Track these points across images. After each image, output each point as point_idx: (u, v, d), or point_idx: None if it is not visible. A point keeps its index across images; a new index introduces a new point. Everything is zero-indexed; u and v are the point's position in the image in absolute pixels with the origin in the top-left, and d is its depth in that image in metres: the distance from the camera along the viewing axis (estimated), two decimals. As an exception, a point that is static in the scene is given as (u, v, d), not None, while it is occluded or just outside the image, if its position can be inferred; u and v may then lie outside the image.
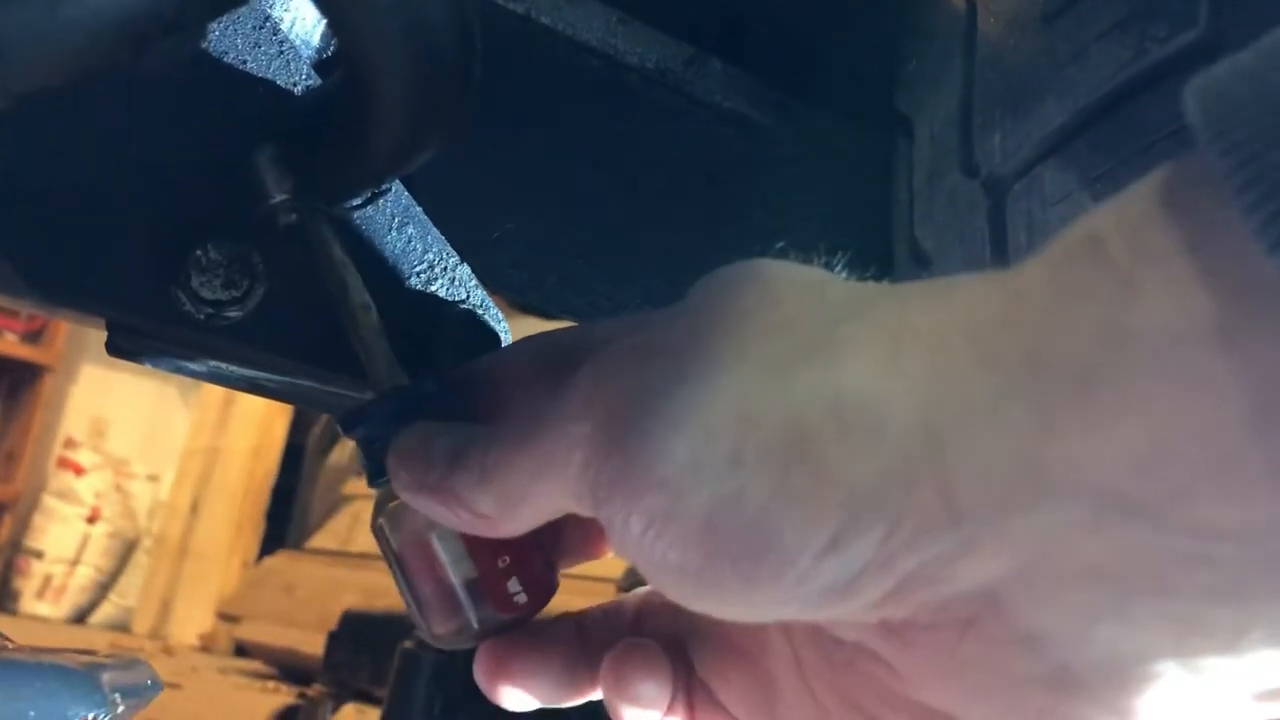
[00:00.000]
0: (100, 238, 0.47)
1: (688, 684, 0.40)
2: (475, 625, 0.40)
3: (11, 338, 3.98)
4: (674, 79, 0.66)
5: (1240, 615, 0.25)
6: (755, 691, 0.38)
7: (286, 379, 0.54)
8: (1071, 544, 0.25)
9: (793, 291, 0.31)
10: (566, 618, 0.42)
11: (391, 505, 0.42)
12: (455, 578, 0.40)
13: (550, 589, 0.42)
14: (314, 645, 2.68)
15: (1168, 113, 0.47)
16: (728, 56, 0.67)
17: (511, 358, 0.45)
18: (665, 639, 0.40)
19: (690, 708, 0.39)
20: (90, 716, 0.39)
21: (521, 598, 0.40)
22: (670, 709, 0.39)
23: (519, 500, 0.34)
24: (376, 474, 0.43)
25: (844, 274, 0.34)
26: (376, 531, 0.42)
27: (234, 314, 0.48)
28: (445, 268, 0.53)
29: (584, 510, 0.32)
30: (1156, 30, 0.48)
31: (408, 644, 1.39)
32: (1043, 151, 0.52)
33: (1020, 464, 0.25)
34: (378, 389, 0.45)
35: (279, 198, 0.46)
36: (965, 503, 0.26)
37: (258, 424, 4.01)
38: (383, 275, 0.51)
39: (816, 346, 0.28)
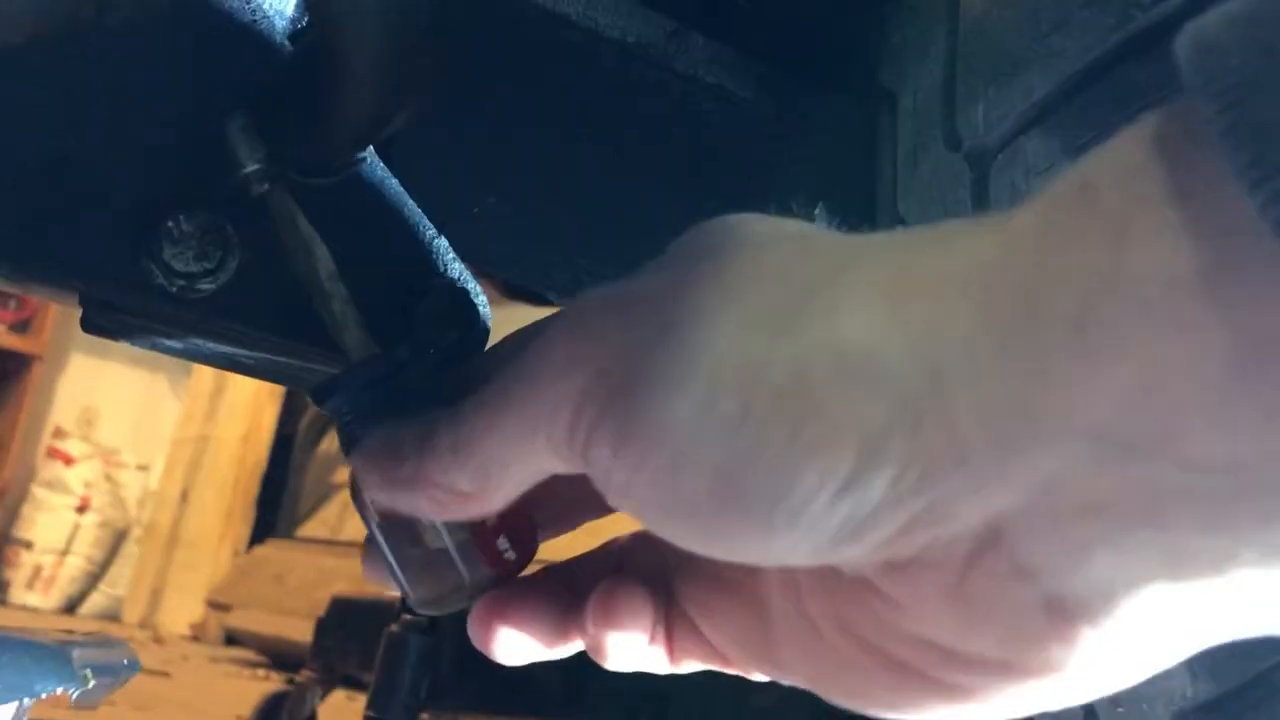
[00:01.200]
0: (69, 207, 0.46)
1: (668, 616, 0.40)
2: (467, 584, 0.40)
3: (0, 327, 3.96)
4: (655, 53, 0.65)
5: (1230, 543, 0.26)
6: (744, 622, 0.38)
7: (264, 355, 0.54)
8: (1070, 482, 0.26)
9: (777, 241, 0.31)
10: (555, 567, 0.43)
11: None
12: (447, 539, 0.40)
13: (534, 545, 0.42)
14: (304, 633, 2.67)
15: (1153, 80, 0.47)
16: (710, 30, 0.66)
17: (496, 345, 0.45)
18: (649, 575, 0.40)
19: (670, 639, 0.40)
20: (59, 691, 0.39)
21: (511, 554, 0.40)
22: (652, 639, 0.39)
23: (500, 469, 0.34)
24: (353, 444, 0.42)
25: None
26: (357, 501, 0.42)
27: (207, 286, 0.48)
28: (423, 240, 0.52)
29: (571, 469, 0.32)
30: (1140, -3, 0.48)
31: (394, 628, 1.39)
32: (1026, 122, 0.52)
33: (1020, 405, 0.26)
34: (350, 359, 0.45)
35: (251, 167, 0.45)
36: (970, 443, 0.26)
37: (248, 412, 4.00)
38: (359, 248, 0.50)
39: (813, 295, 0.29)
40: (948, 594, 0.29)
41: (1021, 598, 0.28)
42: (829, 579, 0.34)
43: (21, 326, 4.01)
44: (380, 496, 0.37)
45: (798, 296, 0.29)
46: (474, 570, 0.40)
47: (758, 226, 0.32)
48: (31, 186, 0.45)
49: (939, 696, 0.32)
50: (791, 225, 0.32)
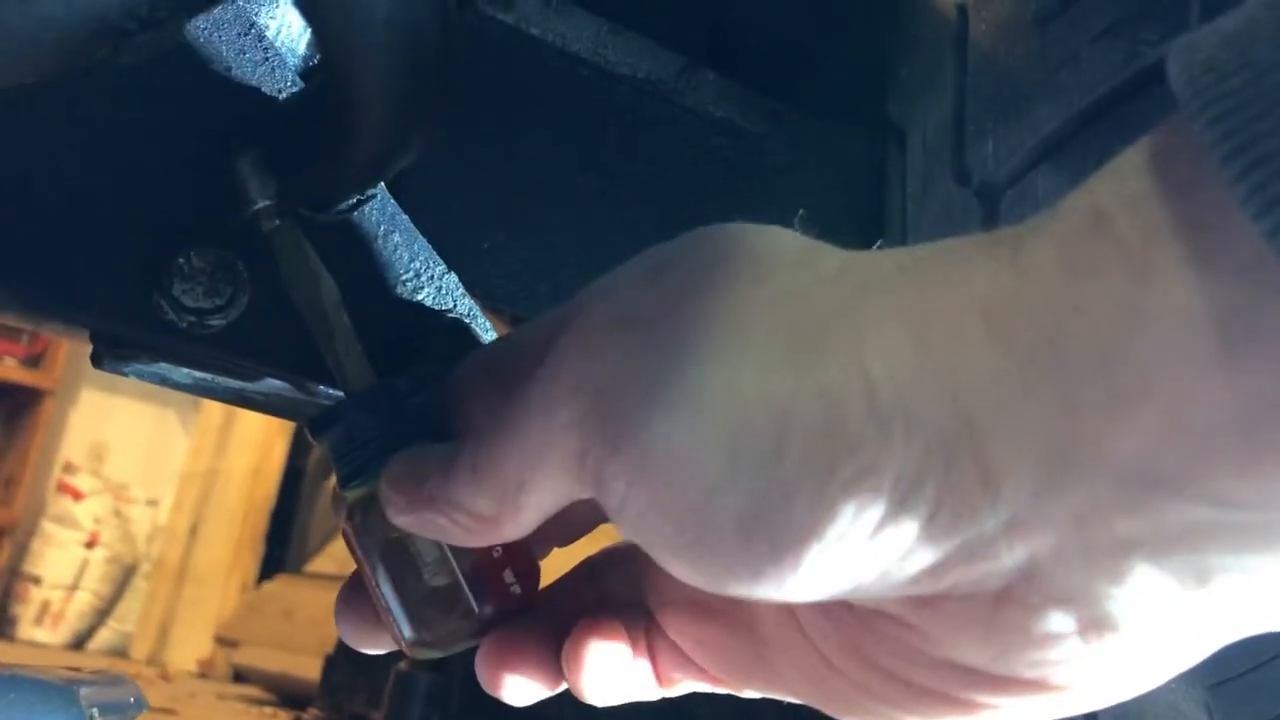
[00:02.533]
0: (81, 244, 0.46)
1: (650, 640, 0.39)
2: (474, 618, 0.39)
3: (11, 362, 3.97)
4: (665, 89, 0.66)
5: (1268, 559, 0.26)
6: (734, 647, 0.37)
7: (272, 390, 0.54)
8: (1103, 517, 0.26)
9: (783, 260, 0.31)
10: (549, 594, 0.42)
11: (369, 508, 0.41)
12: (455, 569, 0.39)
13: (537, 580, 0.41)
14: (312, 670, 2.66)
15: (1161, 116, 0.47)
16: (719, 66, 0.67)
17: (484, 354, 0.44)
18: (626, 596, 0.40)
19: (655, 663, 0.39)
20: (66, 730, 0.39)
21: (516, 588, 0.40)
22: (633, 672, 0.39)
23: (517, 492, 0.33)
24: (349, 478, 0.42)
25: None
26: (351, 538, 0.41)
27: (217, 322, 0.48)
28: (432, 276, 0.52)
29: (585, 495, 0.32)
30: (1148, 34, 0.48)
31: (403, 666, 1.38)
32: (1035, 157, 0.52)
33: (1050, 443, 0.26)
34: (348, 391, 0.45)
35: (262, 204, 0.45)
36: (1002, 483, 0.26)
37: (257, 447, 4.00)
38: (367, 283, 0.50)
39: (833, 325, 0.28)
40: (979, 624, 0.29)
41: (1056, 623, 0.28)
42: (834, 609, 0.33)
43: (33, 361, 4.03)
44: (403, 519, 0.37)
45: (817, 326, 0.28)
46: (481, 603, 0.39)
47: (758, 240, 0.32)
48: (43, 222, 0.46)
49: (962, 712, 0.31)
50: (790, 239, 0.32)
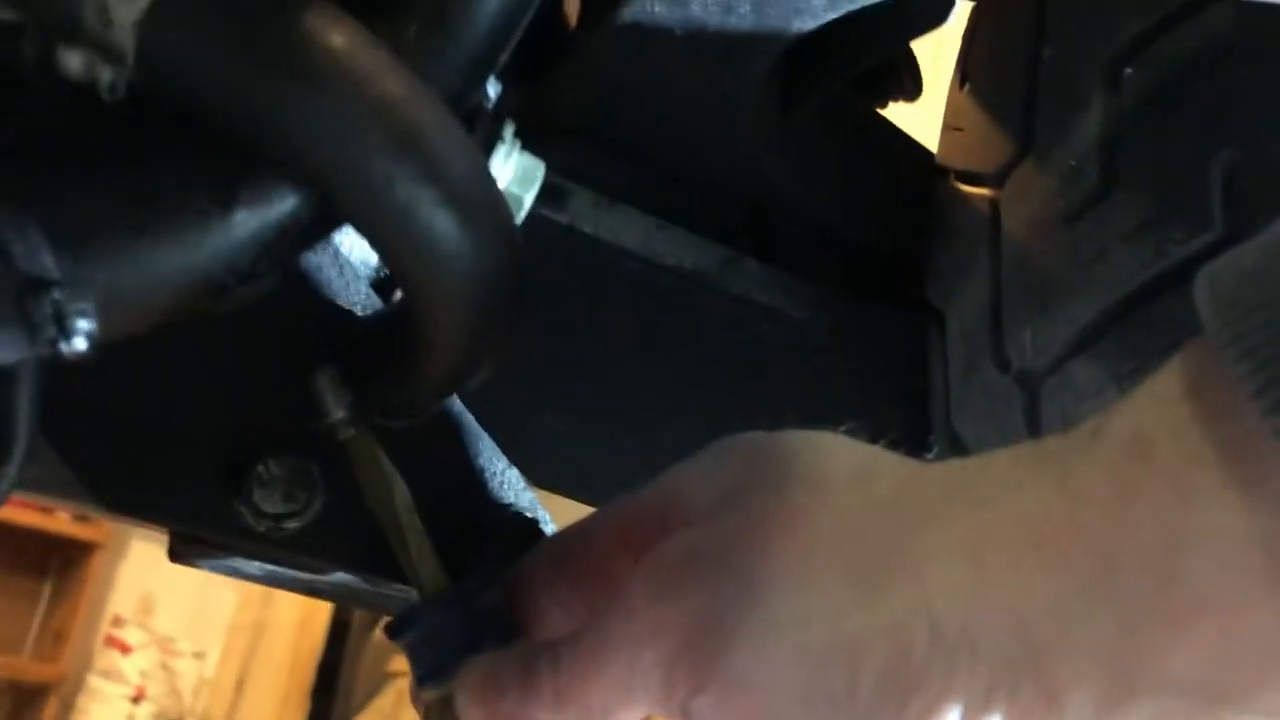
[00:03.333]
0: (167, 455, 0.49)
1: None
2: None
3: (63, 516, 4.02)
4: (711, 278, 0.69)
5: None
6: None
7: (340, 582, 0.56)
8: None
9: (838, 483, 0.33)
10: None
11: (444, 708, 0.42)
12: None
13: None
14: (358, 830, 2.60)
15: (1191, 311, 0.49)
16: (762, 255, 0.70)
17: (551, 548, 0.45)
18: None
19: None
20: None
21: None
22: None
23: (602, 715, 0.35)
24: (425, 678, 0.43)
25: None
26: None
27: (292, 525, 0.50)
28: (494, 472, 0.54)
29: (671, 717, 0.33)
30: (1175, 232, 0.50)
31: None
32: (1072, 348, 0.54)
33: (1111, 663, 0.27)
34: (423, 593, 0.47)
35: (338, 415, 0.48)
36: (1067, 702, 0.28)
37: (304, 599, 3.99)
38: (432, 482, 0.52)
39: (894, 560, 0.30)
40: None
41: None
42: None
43: (84, 515, 4.07)
44: None
45: (879, 562, 0.30)
46: None
47: (812, 460, 0.34)
48: (129, 436, 0.48)
49: None
50: (843, 453, 0.34)
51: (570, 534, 0.45)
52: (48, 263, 0.31)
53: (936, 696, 0.28)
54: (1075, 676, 0.28)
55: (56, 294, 0.31)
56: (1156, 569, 0.27)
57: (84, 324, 0.32)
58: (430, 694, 0.43)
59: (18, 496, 0.52)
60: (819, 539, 0.31)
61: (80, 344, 0.31)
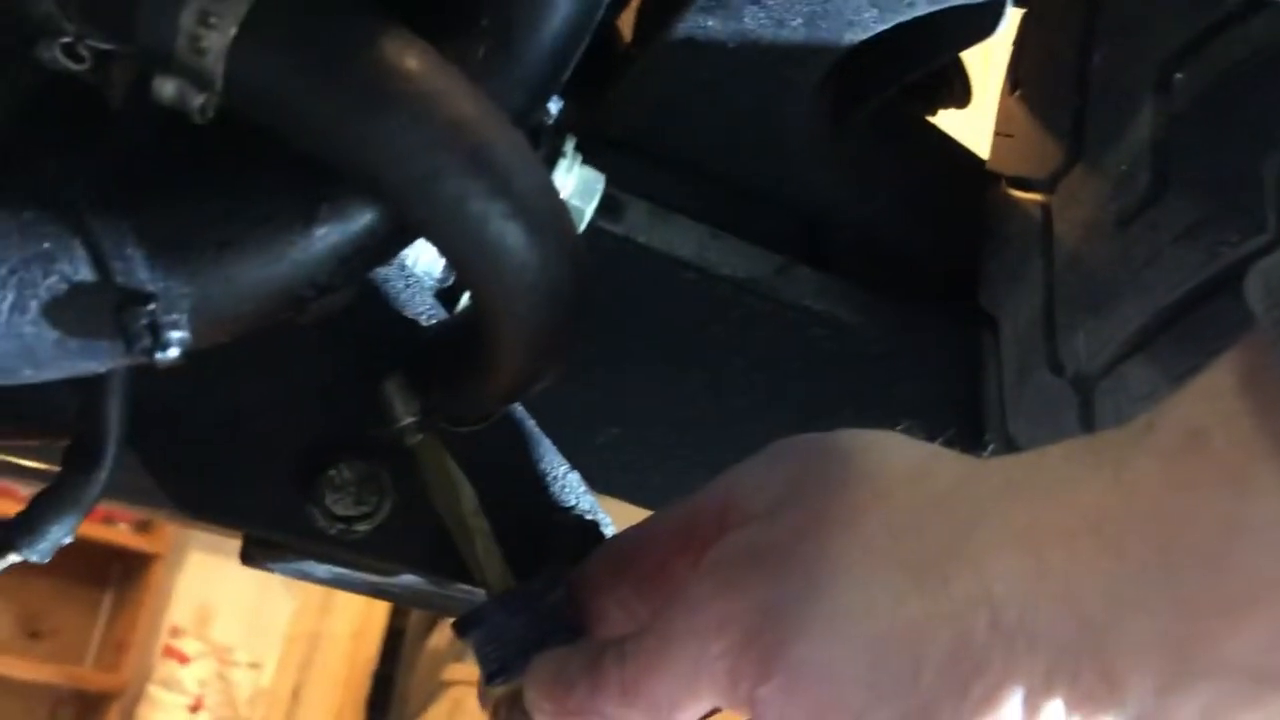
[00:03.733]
0: (243, 461, 0.51)
1: None
2: None
3: (123, 527, 4.09)
4: (765, 286, 0.70)
5: None
6: None
7: (407, 584, 0.57)
8: (1227, 713, 0.28)
9: (897, 478, 0.34)
10: None
11: (512, 706, 0.44)
12: None
13: None
14: (414, 838, 2.62)
15: (1245, 313, 0.49)
16: (814, 262, 0.71)
17: (613, 548, 0.47)
18: None
19: None
20: None
21: None
22: None
23: (669, 708, 0.36)
24: (493, 675, 0.45)
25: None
26: None
27: (363, 528, 0.52)
28: (556, 476, 0.56)
29: (736, 709, 0.34)
30: (1227, 235, 0.51)
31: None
32: (1126, 350, 0.54)
33: (1169, 646, 0.28)
34: (489, 592, 0.48)
35: (406, 421, 0.49)
36: (1127, 686, 0.28)
37: (359, 608, 4.03)
38: (497, 485, 0.53)
39: (953, 550, 0.31)
40: None
41: None
42: None
43: (144, 526, 4.14)
44: None
45: (940, 553, 0.31)
46: None
47: (871, 456, 0.35)
48: (207, 442, 0.50)
49: None
50: (901, 450, 0.35)
51: (630, 536, 0.46)
52: (144, 277, 0.33)
53: (998, 682, 0.29)
54: (1134, 661, 0.28)
55: (152, 306, 0.33)
56: (1212, 557, 0.27)
57: (177, 335, 0.33)
58: (498, 691, 0.45)
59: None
60: (879, 533, 0.32)
61: (174, 354, 0.33)
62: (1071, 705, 0.29)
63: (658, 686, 0.35)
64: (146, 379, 0.42)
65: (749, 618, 0.33)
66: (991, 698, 0.29)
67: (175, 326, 0.34)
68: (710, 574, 0.35)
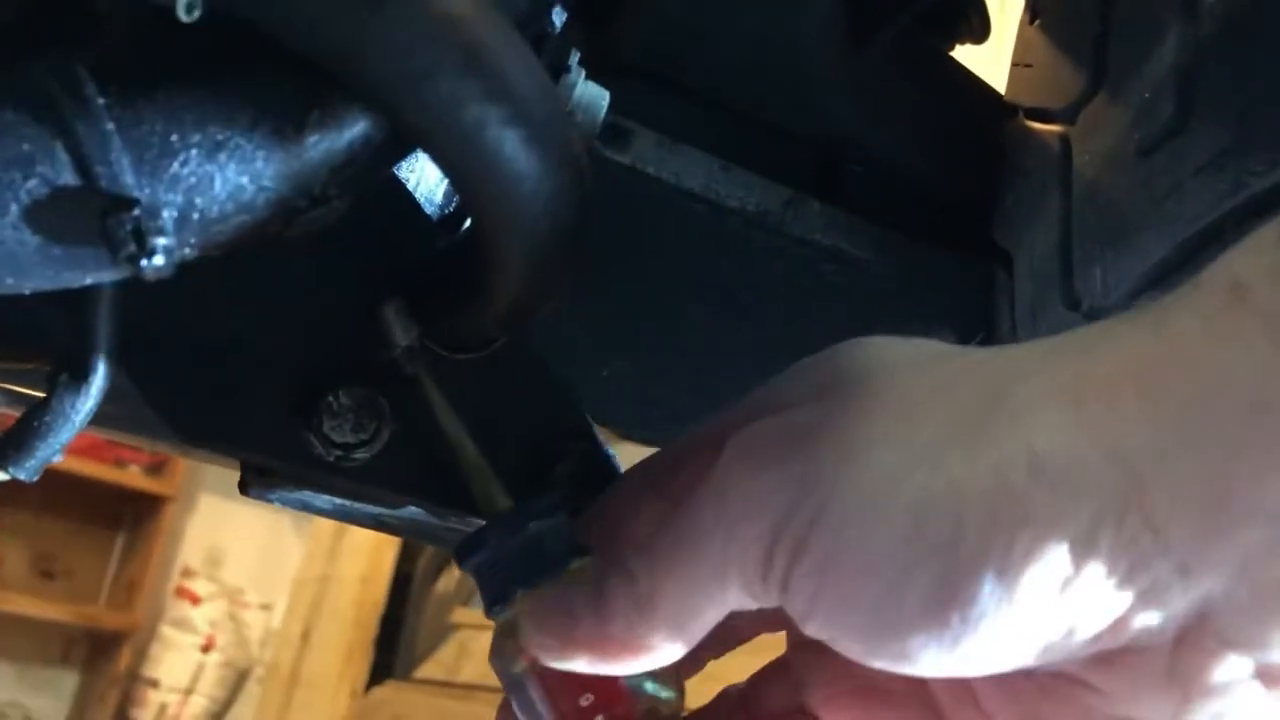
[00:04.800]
0: (239, 386, 0.50)
1: None
2: None
3: (135, 469, 4.12)
4: (774, 219, 0.68)
5: None
6: None
7: (410, 516, 0.57)
8: (1269, 558, 0.28)
9: (932, 354, 0.33)
10: None
11: (499, 639, 0.42)
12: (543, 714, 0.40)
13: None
14: (421, 778, 2.65)
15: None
16: (825, 196, 0.69)
17: (644, 470, 0.45)
18: (779, 708, 0.41)
19: None
20: None
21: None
22: None
23: (692, 617, 0.34)
24: (493, 602, 0.44)
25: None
26: (505, 668, 0.43)
27: (362, 455, 0.51)
28: (559, 404, 0.55)
29: (762, 604, 0.33)
30: (1253, 164, 0.49)
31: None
32: (1144, 284, 0.53)
33: (1210, 490, 0.28)
34: (489, 515, 0.47)
35: (405, 346, 0.48)
36: (1172, 531, 0.28)
37: (368, 552, 4.06)
38: (499, 413, 0.53)
39: (991, 409, 0.30)
40: (1159, 676, 0.30)
41: (1234, 669, 0.29)
42: (1012, 679, 0.34)
43: (155, 469, 4.17)
44: (560, 661, 0.37)
45: (979, 411, 0.30)
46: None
47: (897, 350, 0.35)
48: (204, 367, 0.49)
49: None
50: (927, 345, 0.35)
51: (657, 458, 0.45)
52: (129, 182, 0.32)
53: (1042, 533, 0.29)
54: (1176, 506, 0.28)
55: (136, 211, 0.32)
56: (1251, 401, 0.27)
57: (163, 241, 0.32)
58: (498, 619, 0.44)
59: (96, 444, 0.53)
60: (914, 400, 0.32)
61: (159, 261, 0.32)
62: (1116, 552, 0.29)
63: (678, 593, 0.34)
64: (139, 300, 0.41)
65: (785, 493, 0.32)
66: (1036, 550, 0.29)
67: (161, 233, 0.32)
68: (737, 456, 0.34)
